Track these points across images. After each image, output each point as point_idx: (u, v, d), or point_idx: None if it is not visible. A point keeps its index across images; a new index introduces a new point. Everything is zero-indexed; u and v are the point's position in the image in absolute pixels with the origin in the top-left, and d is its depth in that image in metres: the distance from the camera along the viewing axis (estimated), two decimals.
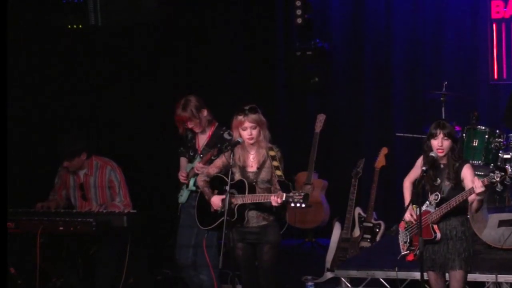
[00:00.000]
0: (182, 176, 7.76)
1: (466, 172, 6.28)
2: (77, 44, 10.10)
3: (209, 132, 7.71)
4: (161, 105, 10.24)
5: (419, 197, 6.26)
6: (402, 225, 6.51)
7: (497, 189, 8.26)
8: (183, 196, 7.76)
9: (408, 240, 6.45)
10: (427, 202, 6.34)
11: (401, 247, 6.52)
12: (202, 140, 7.75)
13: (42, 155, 9.37)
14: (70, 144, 7.93)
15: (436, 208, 6.28)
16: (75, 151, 7.90)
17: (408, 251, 6.46)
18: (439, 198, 6.28)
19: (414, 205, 6.35)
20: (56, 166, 8.28)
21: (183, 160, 7.89)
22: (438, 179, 6.32)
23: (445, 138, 6.27)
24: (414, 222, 6.39)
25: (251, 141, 6.80)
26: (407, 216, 6.42)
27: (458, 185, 6.29)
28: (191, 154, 7.79)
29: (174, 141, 8.01)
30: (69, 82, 10.06)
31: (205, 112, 7.64)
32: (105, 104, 10.44)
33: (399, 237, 6.55)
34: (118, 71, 10.43)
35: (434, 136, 6.30)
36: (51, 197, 8.14)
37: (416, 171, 6.50)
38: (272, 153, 6.83)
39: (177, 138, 7.94)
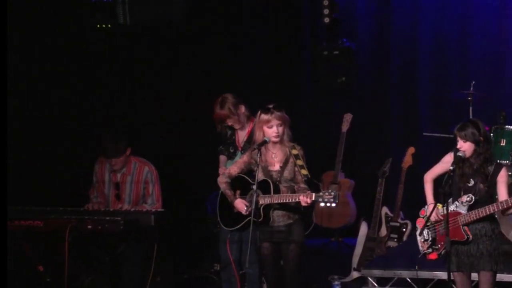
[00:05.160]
0: (221, 172, 7.69)
1: (504, 175, 6.31)
2: (105, 44, 10.18)
3: (248, 128, 7.75)
4: (187, 102, 10.36)
5: (447, 197, 6.29)
6: (421, 222, 6.51)
7: None
8: (219, 195, 7.78)
9: (431, 239, 6.45)
10: (456, 203, 6.36)
11: (420, 245, 6.53)
12: (242, 136, 7.79)
13: (69, 153, 9.47)
14: (115, 141, 7.98)
15: (469, 211, 6.29)
16: (121, 148, 7.97)
17: (430, 250, 6.47)
18: (473, 200, 6.30)
19: (439, 204, 6.38)
20: (81, 164, 8.43)
21: (222, 158, 7.94)
22: (471, 180, 6.34)
23: (463, 140, 6.31)
24: (438, 221, 6.42)
25: (277, 139, 6.85)
26: (432, 217, 6.43)
27: (492, 187, 6.33)
28: (231, 150, 7.84)
29: (202, 138, 8.03)
30: (95, 81, 10.11)
31: (242, 108, 7.72)
32: (132, 103, 10.53)
33: (417, 234, 6.55)
34: (143, 69, 10.47)
35: (455, 138, 6.39)
36: (93, 199, 8.20)
37: (440, 167, 6.55)
38: (294, 151, 6.88)
39: (206, 136, 8.00)
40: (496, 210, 6.22)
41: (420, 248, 6.52)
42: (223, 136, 7.92)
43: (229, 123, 7.75)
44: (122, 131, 8.88)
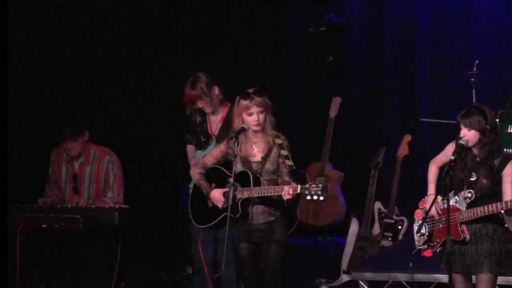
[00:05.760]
0: (194, 163, 7.57)
1: (510, 171, 6.20)
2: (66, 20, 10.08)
3: (222, 113, 7.69)
4: (159, 89, 10.33)
5: (446, 190, 6.19)
6: (419, 213, 6.44)
7: None
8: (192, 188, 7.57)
9: (427, 234, 6.37)
10: (456, 197, 6.26)
11: (415, 239, 6.45)
12: (215, 123, 7.72)
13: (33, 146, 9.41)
14: (73, 122, 7.96)
15: (468, 208, 6.20)
16: (78, 129, 7.92)
17: (425, 246, 6.39)
18: (474, 196, 6.20)
19: (439, 197, 6.27)
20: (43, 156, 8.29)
21: (190, 148, 7.84)
22: (473, 174, 6.24)
23: (467, 128, 6.22)
24: (437, 216, 6.33)
25: (258, 128, 6.75)
26: (433, 210, 6.33)
27: (496, 183, 6.22)
28: (203, 139, 7.75)
29: (173, 132, 7.97)
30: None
31: (216, 90, 7.63)
32: (103, 91, 10.40)
33: (414, 227, 6.48)
34: (120, 57, 10.44)
35: (458, 125, 6.26)
36: (49, 192, 8.14)
37: (442, 156, 6.44)
38: (278, 141, 6.78)
39: (176, 128, 7.98)
40: (496, 210, 6.11)
41: (416, 242, 6.44)
42: (191, 124, 7.80)
43: (200, 105, 7.62)
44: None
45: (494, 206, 6.09)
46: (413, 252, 6.45)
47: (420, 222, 6.38)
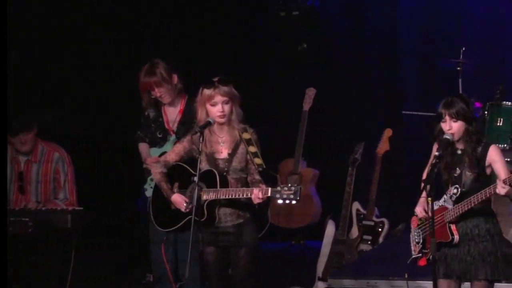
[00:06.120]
0: (151, 162, 7.46)
1: (494, 155, 6.16)
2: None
3: (180, 106, 7.67)
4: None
5: (432, 189, 6.08)
6: (414, 221, 6.38)
7: None
8: (153, 187, 7.47)
9: (421, 241, 6.30)
10: (444, 197, 6.19)
11: (412, 248, 6.38)
12: (172, 116, 7.71)
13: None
14: (23, 112, 8.13)
15: (455, 205, 6.13)
16: (31, 120, 7.98)
17: (420, 254, 6.33)
18: (459, 192, 6.12)
19: (429, 198, 6.12)
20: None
21: (143, 147, 7.81)
22: (457, 168, 6.18)
23: (453, 119, 6.16)
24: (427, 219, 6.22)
25: (223, 119, 6.66)
26: (420, 212, 6.29)
27: (482, 175, 6.15)
28: (159, 135, 7.73)
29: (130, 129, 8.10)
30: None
31: (175, 78, 7.62)
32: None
33: (411, 236, 6.42)
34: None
35: (440, 117, 6.19)
36: None
37: (430, 160, 6.32)
38: (246, 135, 6.70)
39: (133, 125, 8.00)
40: (478, 200, 6.04)
41: (412, 252, 6.39)
42: (143, 119, 7.77)
43: (158, 94, 7.53)
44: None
45: (478, 195, 6.03)
46: (408, 262, 6.41)
47: (415, 229, 6.35)
